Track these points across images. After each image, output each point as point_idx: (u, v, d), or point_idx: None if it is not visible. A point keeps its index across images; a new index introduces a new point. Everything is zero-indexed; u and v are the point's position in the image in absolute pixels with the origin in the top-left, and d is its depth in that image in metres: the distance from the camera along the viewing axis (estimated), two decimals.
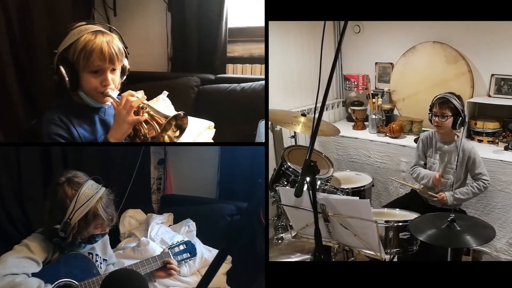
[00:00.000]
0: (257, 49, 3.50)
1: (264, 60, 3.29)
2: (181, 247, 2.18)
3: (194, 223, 2.64)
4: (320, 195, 1.91)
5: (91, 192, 1.74)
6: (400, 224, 2.09)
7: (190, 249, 2.21)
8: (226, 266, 2.43)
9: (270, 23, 2.99)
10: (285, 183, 2.63)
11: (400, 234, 2.08)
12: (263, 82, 3.09)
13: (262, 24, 3.40)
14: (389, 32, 3.64)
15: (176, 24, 3.54)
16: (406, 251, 2.12)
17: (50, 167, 2.52)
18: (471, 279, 1.87)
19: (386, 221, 2.09)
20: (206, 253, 2.45)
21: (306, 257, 2.28)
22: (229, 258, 2.45)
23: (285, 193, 2.06)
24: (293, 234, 2.15)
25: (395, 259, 2.18)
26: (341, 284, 1.92)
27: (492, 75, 3.16)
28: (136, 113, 1.70)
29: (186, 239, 2.30)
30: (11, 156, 2.42)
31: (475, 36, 3.16)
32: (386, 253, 2.06)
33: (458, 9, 2.07)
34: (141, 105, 1.72)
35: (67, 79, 1.66)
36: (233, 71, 3.53)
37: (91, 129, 1.78)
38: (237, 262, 2.45)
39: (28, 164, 2.46)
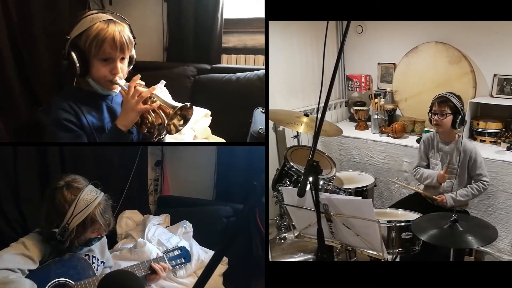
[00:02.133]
0: (252, 40, 3.51)
1: (264, 59, 3.29)
2: (176, 252, 2.23)
3: (190, 224, 2.65)
4: (323, 195, 1.92)
5: (90, 198, 1.75)
6: (403, 224, 2.09)
7: (185, 255, 2.26)
8: (222, 267, 2.44)
9: (273, 23, 3.00)
10: (288, 183, 2.64)
11: (403, 234, 2.08)
12: (258, 72, 3.09)
13: (257, 15, 3.42)
14: (391, 32, 3.64)
15: (172, 14, 3.54)
16: (409, 251, 2.12)
17: (47, 166, 2.53)
18: (474, 279, 1.88)
19: (389, 221, 2.09)
20: (203, 254, 2.46)
21: (309, 256, 2.28)
22: (225, 259, 2.46)
23: (288, 193, 2.07)
24: (296, 234, 2.15)
25: (398, 259, 2.18)
26: (343, 284, 1.93)
27: (495, 75, 3.16)
28: (144, 102, 1.72)
29: (181, 245, 2.32)
30: (8, 155, 2.42)
31: (477, 36, 3.16)
32: (388, 253, 2.06)
33: (461, 9, 2.07)
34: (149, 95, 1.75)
35: (77, 65, 1.68)
36: (227, 61, 3.55)
37: (99, 116, 1.80)
38: (233, 264, 2.46)
39: (25, 163, 2.46)
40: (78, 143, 1.76)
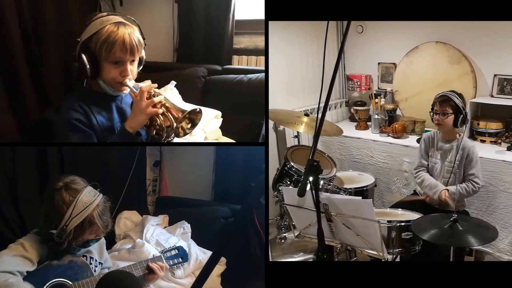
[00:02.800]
0: (263, 41, 3.51)
1: (264, 60, 3.29)
2: (173, 252, 2.23)
3: (189, 225, 2.65)
4: (323, 195, 1.92)
5: (88, 200, 1.75)
6: (403, 224, 2.09)
7: (182, 254, 2.26)
8: (220, 268, 2.45)
9: (273, 23, 2.99)
10: (288, 182, 2.64)
11: (403, 234, 2.09)
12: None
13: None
14: (392, 32, 3.64)
15: (182, 15, 3.56)
16: (409, 251, 2.12)
17: (46, 167, 2.53)
18: (474, 279, 1.88)
19: (389, 221, 2.09)
20: (201, 255, 2.47)
21: (309, 256, 2.29)
22: (223, 260, 2.47)
23: (288, 192, 2.07)
24: (296, 234, 2.15)
25: (398, 259, 2.19)
26: (343, 284, 1.93)
27: (495, 75, 3.16)
28: (154, 105, 1.72)
29: (178, 244, 2.33)
30: (7, 155, 2.42)
31: (478, 36, 3.16)
32: (388, 253, 2.06)
33: (461, 9, 2.07)
34: None
35: (88, 67, 1.68)
36: (238, 62, 3.56)
37: (109, 116, 1.80)
38: (231, 264, 2.47)
39: (24, 163, 2.46)
40: (76, 143, 1.76)
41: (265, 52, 2.91)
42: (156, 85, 1.79)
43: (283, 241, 2.46)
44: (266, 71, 2.95)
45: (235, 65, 3.52)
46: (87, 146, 2.60)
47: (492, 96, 3.19)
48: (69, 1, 2.91)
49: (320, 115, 1.59)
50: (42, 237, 1.77)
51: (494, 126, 3.06)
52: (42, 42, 2.75)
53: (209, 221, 2.71)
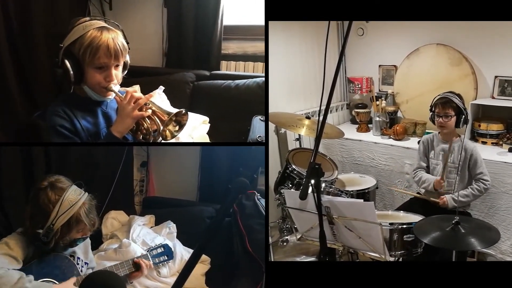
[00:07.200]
0: (251, 47, 3.54)
1: (264, 60, 3.30)
2: (159, 250, 2.25)
3: (174, 225, 2.68)
4: (325, 198, 1.92)
5: (74, 198, 1.75)
6: (405, 226, 2.09)
7: (167, 252, 2.28)
8: (205, 267, 2.47)
9: (274, 24, 2.99)
10: (290, 185, 2.64)
11: (405, 236, 2.09)
12: (257, 79, 3.12)
13: (257, 22, 3.42)
14: (392, 34, 3.65)
15: (172, 20, 3.58)
16: (411, 254, 2.12)
17: (32, 167, 2.50)
18: (477, 280, 1.87)
19: (391, 224, 2.10)
20: (186, 254, 2.49)
21: (311, 259, 2.29)
22: (208, 259, 2.49)
23: (290, 195, 2.07)
24: (298, 237, 2.15)
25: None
26: (343, 285, 1.92)
27: (496, 76, 3.16)
28: (140, 108, 1.72)
29: (164, 243, 2.34)
30: None
31: (478, 37, 3.16)
32: (390, 255, 2.06)
33: (462, 9, 2.06)
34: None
35: (71, 73, 1.67)
36: (226, 68, 3.57)
37: (94, 121, 1.81)
38: (215, 264, 2.49)
39: (9, 162, 2.43)
40: (63, 143, 1.75)
41: (265, 53, 2.91)
42: (137, 86, 1.78)
43: (285, 244, 2.45)
44: (266, 72, 2.96)
45: (223, 71, 3.53)
46: (74, 147, 2.59)
47: (493, 97, 3.19)
48: (57, 3, 2.90)
49: (321, 118, 1.59)
50: (28, 238, 1.76)
51: (495, 128, 3.06)
52: (29, 45, 2.74)
53: (194, 221, 2.74)
